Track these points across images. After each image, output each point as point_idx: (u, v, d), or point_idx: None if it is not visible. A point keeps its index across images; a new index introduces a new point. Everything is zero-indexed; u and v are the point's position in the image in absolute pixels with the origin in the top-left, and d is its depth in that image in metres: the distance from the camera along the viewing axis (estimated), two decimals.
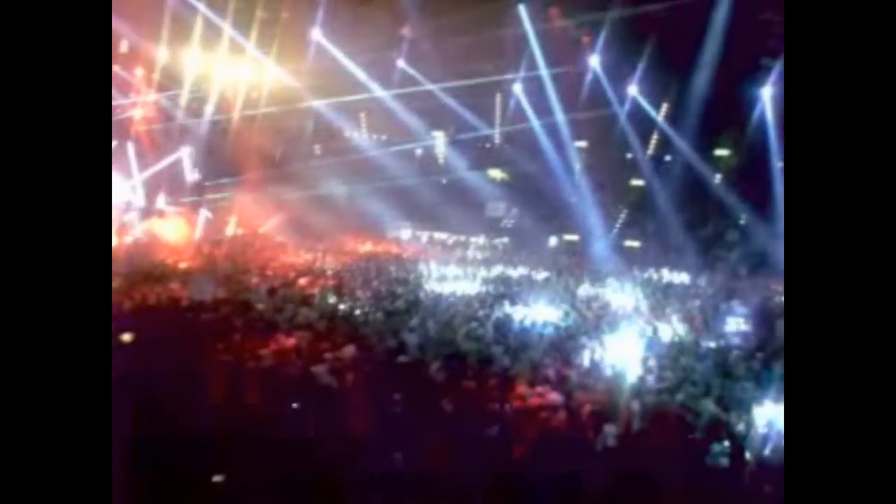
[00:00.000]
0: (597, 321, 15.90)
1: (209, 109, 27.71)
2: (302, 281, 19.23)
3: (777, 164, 28.31)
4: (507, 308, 16.76)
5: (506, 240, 29.20)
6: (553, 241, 28.88)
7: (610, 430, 8.96)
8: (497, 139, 31.18)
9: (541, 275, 22.01)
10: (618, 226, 28.24)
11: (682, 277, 22.79)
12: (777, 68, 25.28)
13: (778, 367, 13.08)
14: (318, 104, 27.13)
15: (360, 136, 30.75)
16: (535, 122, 27.64)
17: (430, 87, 26.62)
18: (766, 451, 8.57)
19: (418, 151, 31.35)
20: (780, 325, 16.47)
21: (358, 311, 15.54)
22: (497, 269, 23.09)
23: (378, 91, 26.22)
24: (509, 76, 28.07)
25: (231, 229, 28.53)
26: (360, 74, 25.39)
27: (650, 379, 11.57)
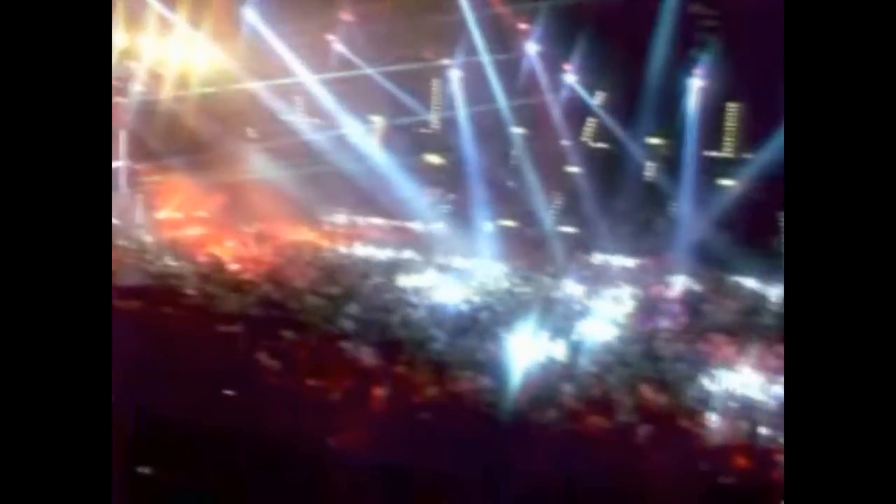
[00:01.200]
0: (533, 305, 16.07)
1: (138, 90, 26.71)
2: (235, 266, 18.83)
3: (703, 153, 29.15)
4: (444, 293, 16.79)
5: (443, 225, 29.17)
6: (490, 226, 28.98)
7: (542, 412, 9.09)
8: (435, 124, 31.04)
9: (478, 259, 22.11)
10: (554, 212, 28.52)
11: (616, 262, 23.26)
12: (704, 60, 25.98)
13: (703, 347, 13.56)
14: (253, 86, 26.48)
15: (295, 119, 30.18)
16: (473, 108, 27.66)
17: (367, 70, 26.29)
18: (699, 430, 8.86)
19: (355, 135, 30.95)
20: (706, 307, 17.08)
21: (293, 297, 15.32)
22: (434, 254, 23.08)
23: (314, 74, 25.75)
24: (447, 62, 27.96)
25: (162, 214, 27.66)
26: (295, 56, 24.87)
27: (583, 362, 11.78)
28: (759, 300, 19.09)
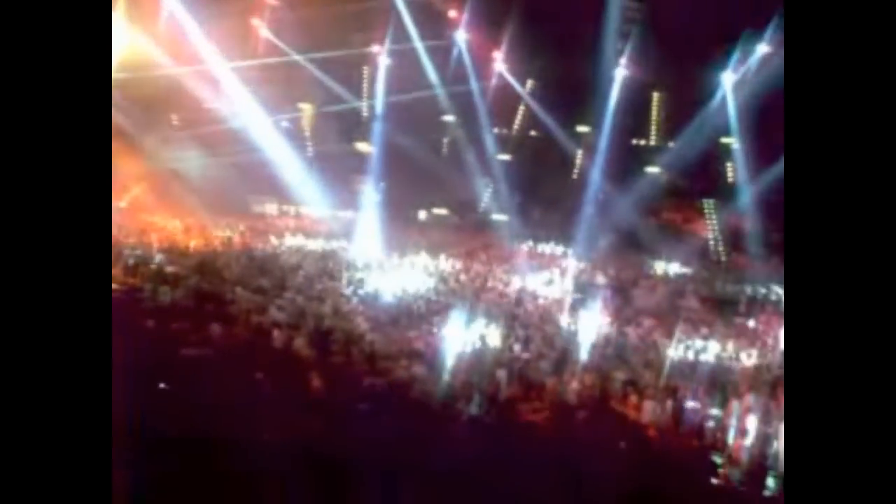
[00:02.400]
0: (466, 293, 16.17)
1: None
2: (161, 258, 18.25)
3: (631, 141, 29.85)
4: (377, 282, 16.71)
5: (375, 213, 28.98)
6: (422, 214, 29.01)
7: (476, 399, 9.16)
8: (365, 112, 30.78)
9: (411, 248, 22.09)
10: (485, 200, 28.74)
11: (547, 249, 23.61)
12: (629, 50, 26.59)
13: (631, 331, 13.92)
14: (176, 72, 25.62)
15: (221, 106, 29.38)
16: (404, 96, 27.52)
17: (295, 57, 25.81)
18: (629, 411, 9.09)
19: (284, 123, 30.36)
20: (636, 293, 17.52)
21: (223, 289, 14.97)
22: (367, 244, 22.93)
23: (239, 60, 25.10)
24: (377, 48, 27.74)
25: None
26: (221, 42, 24.18)
27: (517, 348, 11.93)
28: (684, 283, 19.69)
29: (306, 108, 30.98)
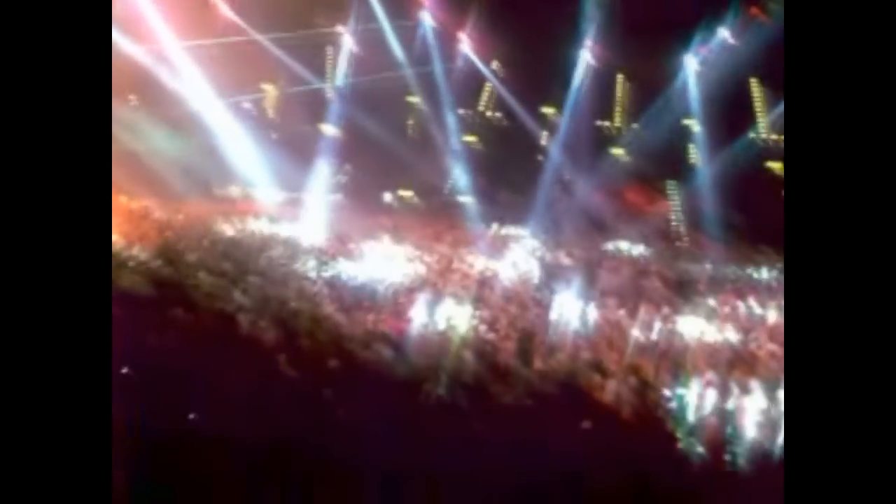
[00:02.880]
0: (431, 275, 16.18)
1: None
2: (120, 241, 17.89)
3: (596, 123, 30.02)
4: (342, 265, 16.63)
5: (340, 196, 28.79)
6: (388, 197, 28.86)
7: (442, 380, 9.18)
8: (330, 93, 30.43)
9: (376, 230, 22.00)
10: (451, 182, 28.69)
11: (512, 232, 23.69)
12: (594, 32, 26.70)
13: (595, 311, 14.09)
14: (133, 50, 24.99)
15: (181, 86, 28.78)
16: (368, 77, 27.28)
17: (257, 37, 25.36)
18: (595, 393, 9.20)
19: (246, 105, 29.88)
20: (600, 273, 17.71)
21: (186, 274, 14.74)
22: (332, 226, 22.78)
23: (199, 39, 24.58)
24: (341, 28, 27.42)
25: None
26: (179, 20, 23.64)
27: (482, 329, 11.98)
28: (647, 264, 19.95)
29: (269, 90, 30.53)
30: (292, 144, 28.22)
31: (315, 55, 28.39)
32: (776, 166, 28.35)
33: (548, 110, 29.42)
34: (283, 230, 21.36)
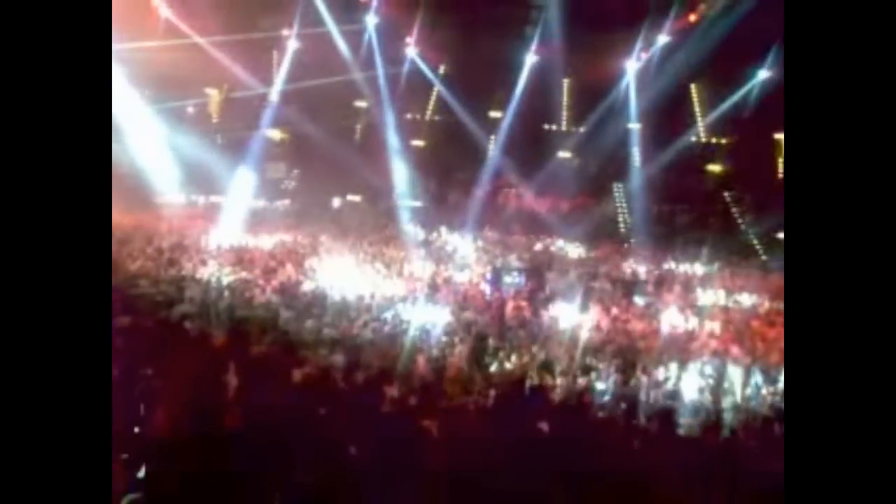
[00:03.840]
0: (381, 280, 16.12)
1: None
2: None
3: (543, 126, 30.40)
4: (290, 271, 16.43)
5: (287, 202, 28.51)
6: (336, 202, 28.69)
7: (395, 386, 9.12)
8: (275, 98, 30.08)
9: (325, 236, 21.83)
10: (399, 186, 28.69)
11: (462, 234, 23.77)
12: (537, 35, 27.08)
13: (546, 313, 14.24)
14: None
15: (120, 90, 28.08)
16: (315, 81, 27.05)
17: (199, 40, 24.93)
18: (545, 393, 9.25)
19: (189, 109, 29.32)
20: (549, 276, 17.89)
21: (129, 283, 14.35)
22: (279, 232, 22.51)
23: (140, 42, 24.01)
24: (287, 32, 27.17)
25: None
26: (118, 22, 23.03)
27: (435, 333, 11.98)
28: (595, 265, 20.24)
29: (213, 94, 30.04)
30: (237, 150, 27.80)
31: (260, 58, 28.05)
32: (715, 167, 29.21)
33: (495, 113, 29.69)
34: (230, 236, 20.97)
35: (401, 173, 28.04)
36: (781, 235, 24.63)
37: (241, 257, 17.90)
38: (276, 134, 31.01)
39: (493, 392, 9.03)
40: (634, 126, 29.05)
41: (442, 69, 29.48)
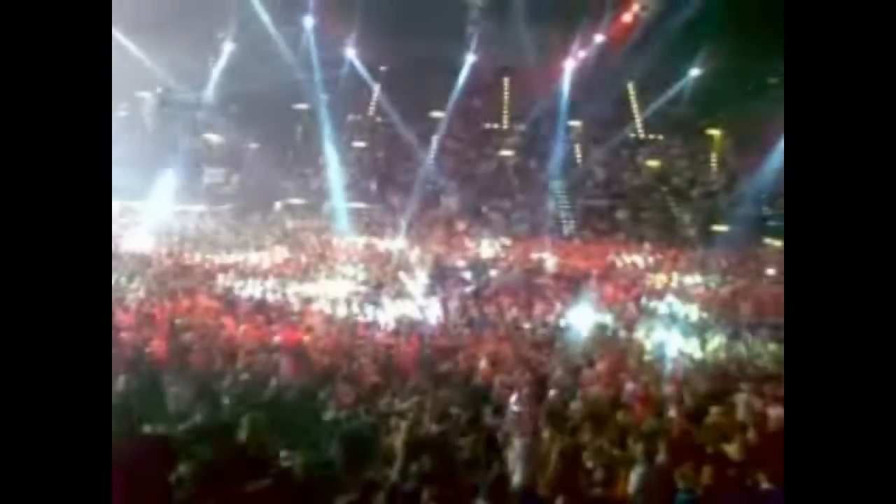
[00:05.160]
0: (325, 282, 15.99)
1: None
2: None
3: (483, 125, 30.61)
4: (233, 276, 16.18)
5: (229, 206, 27.93)
6: (278, 205, 28.26)
7: (339, 388, 9.05)
8: (213, 101, 29.52)
9: (268, 240, 21.53)
10: (343, 188, 28.46)
11: (406, 234, 23.70)
12: (477, 35, 27.27)
13: (490, 310, 14.33)
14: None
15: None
16: (254, 85, 26.62)
17: (128, 43, 24.33)
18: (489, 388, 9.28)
19: (122, 113, 28.51)
20: (493, 273, 18.02)
21: None
22: (222, 237, 22.11)
23: None
24: (221, 34, 26.70)
25: None
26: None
27: (379, 335, 11.95)
28: (539, 262, 20.42)
29: (147, 98, 29.30)
30: (175, 155, 27.17)
31: (197, 62, 27.47)
32: (652, 163, 29.83)
33: (437, 114, 29.74)
34: (169, 243, 20.48)
35: (343, 175, 27.83)
36: (717, 228, 25.36)
37: (180, 263, 17.48)
38: (214, 138, 30.44)
39: (438, 388, 9.03)
40: (574, 123, 29.51)
41: (382, 70, 29.42)
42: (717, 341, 12.49)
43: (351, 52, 27.70)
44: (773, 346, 11.79)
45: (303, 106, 29.53)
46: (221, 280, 15.82)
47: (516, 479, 6.52)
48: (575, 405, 8.34)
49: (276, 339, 11.21)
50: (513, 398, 8.26)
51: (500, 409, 8.15)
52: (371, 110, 30.66)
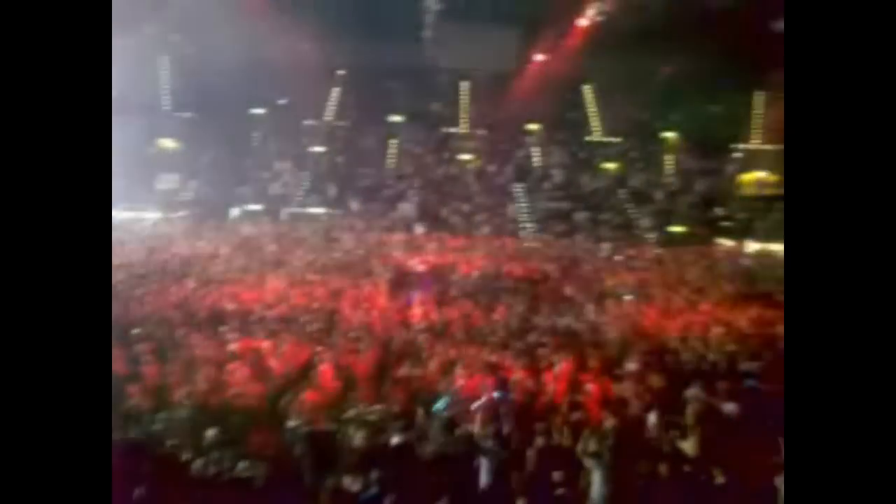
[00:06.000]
0: (282, 289, 15.77)
1: None
2: None
3: (442, 130, 30.62)
4: (189, 285, 15.85)
5: (184, 213, 27.43)
6: (235, 211, 27.86)
7: (289, 396, 8.93)
8: (167, 105, 29.01)
9: (224, 247, 21.18)
10: (300, 193, 28.19)
11: (365, 239, 23.55)
12: (435, 39, 27.28)
13: (452, 313, 14.28)
14: None
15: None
16: (209, 89, 26.23)
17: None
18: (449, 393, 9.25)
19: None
20: (453, 277, 17.99)
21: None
22: (178, 244, 21.68)
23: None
24: (173, 36, 26.26)
25: None
26: None
27: (340, 342, 11.83)
28: (499, 264, 20.46)
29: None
30: (126, 160, 26.56)
31: (148, 65, 26.97)
32: (609, 165, 30.22)
33: (395, 118, 29.69)
34: (126, 250, 20.00)
35: (301, 180, 27.57)
36: (673, 229, 25.78)
37: (136, 270, 17.10)
38: (168, 143, 29.91)
39: (397, 392, 8.97)
40: (533, 127, 29.72)
41: (339, 74, 29.25)
42: (673, 341, 12.64)
43: (310, 56, 27.48)
44: (728, 345, 11.96)
45: (259, 111, 29.20)
46: (175, 289, 15.48)
47: (483, 480, 6.52)
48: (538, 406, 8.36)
49: (234, 346, 11.01)
50: (475, 403, 8.25)
51: (463, 414, 8.12)
52: (328, 115, 30.45)
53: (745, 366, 10.52)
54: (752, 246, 23.70)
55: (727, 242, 23.56)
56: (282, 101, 27.91)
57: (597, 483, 6.31)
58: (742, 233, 24.75)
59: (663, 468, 6.30)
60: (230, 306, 13.95)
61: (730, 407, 8.46)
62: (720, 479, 6.25)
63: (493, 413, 7.95)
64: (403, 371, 10.26)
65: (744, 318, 13.96)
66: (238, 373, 9.62)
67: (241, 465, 6.57)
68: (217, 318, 12.88)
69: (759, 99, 30.17)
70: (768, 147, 29.99)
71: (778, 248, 21.93)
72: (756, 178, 29.61)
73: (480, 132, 30.35)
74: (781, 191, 28.10)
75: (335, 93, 29.67)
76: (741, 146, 30.39)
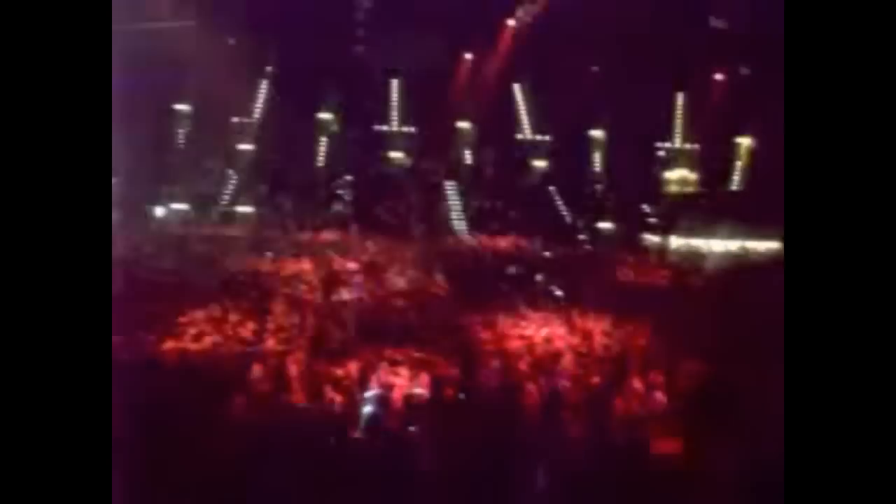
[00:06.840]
0: (214, 290, 15.44)
1: None
2: None
3: (374, 127, 30.43)
4: (115, 287, 15.31)
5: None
6: (160, 211, 27.01)
7: (233, 398, 8.77)
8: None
9: (149, 247, 20.55)
10: (228, 192, 27.55)
11: (298, 238, 23.21)
12: (365, 36, 27.12)
13: (388, 312, 14.25)
14: None
15: None
16: (128, 82, 25.26)
17: None
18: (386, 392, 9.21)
19: None
20: (387, 275, 17.92)
21: None
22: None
23: None
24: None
25: None
26: None
27: (271, 342, 11.69)
28: (433, 263, 20.47)
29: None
30: None
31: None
32: (539, 163, 30.60)
33: (326, 115, 29.31)
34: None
35: (229, 179, 26.94)
36: (602, 225, 26.36)
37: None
38: None
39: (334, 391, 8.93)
40: (464, 125, 29.87)
41: (268, 70, 28.72)
42: (602, 336, 12.93)
43: (237, 51, 26.82)
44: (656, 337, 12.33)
45: (184, 107, 28.40)
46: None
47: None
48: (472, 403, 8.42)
49: (162, 349, 10.74)
50: (410, 401, 8.28)
51: (398, 414, 8.13)
52: (257, 112, 29.85)
53: None
54: (676, 241, 24.46)
55: (654, 238, 24.25)
56: (208, 98, 27.14)
57: None
58: (666, 230, 25.48)
59: None
60: (158, 309, 13.58)
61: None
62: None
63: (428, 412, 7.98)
64: (337, 372, 10.21)
65: None
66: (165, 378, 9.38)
67: None
68: (149, 319, 12.52)
69: (680, 100, 31.09)
70: (688, 147, 30.97)
71: (699, 243, 22.85)
72: (679, 176, 30.54)
73: (410, 130, 30.31)
74: (700, 189, 29.22)
75: (264, 89, 29.11)
76: (666, 145, 31.25)
